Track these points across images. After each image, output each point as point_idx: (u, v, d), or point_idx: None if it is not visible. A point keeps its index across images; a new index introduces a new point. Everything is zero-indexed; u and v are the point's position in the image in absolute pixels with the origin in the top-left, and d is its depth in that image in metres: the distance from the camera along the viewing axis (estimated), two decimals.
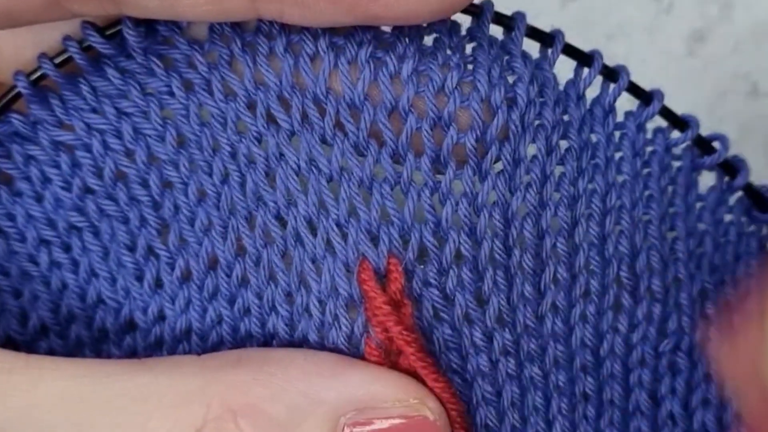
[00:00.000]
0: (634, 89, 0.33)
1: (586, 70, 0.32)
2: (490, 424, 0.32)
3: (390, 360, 0.30)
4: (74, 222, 0.31)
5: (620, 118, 0.33)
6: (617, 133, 0.33)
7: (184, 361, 0.29)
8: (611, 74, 0.32)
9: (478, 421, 0.32)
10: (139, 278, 0.31)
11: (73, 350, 0.32)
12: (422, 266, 0.31)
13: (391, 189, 0.31)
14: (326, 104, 0.30)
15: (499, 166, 0.31)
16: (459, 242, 0.31)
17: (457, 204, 0.31)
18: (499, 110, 0.30)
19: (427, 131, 0.30)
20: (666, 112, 0.33)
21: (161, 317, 0.32)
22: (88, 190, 0.31)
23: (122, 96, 0.30)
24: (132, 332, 0.32)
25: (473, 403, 0.32)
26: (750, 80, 0.49)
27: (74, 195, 0.31)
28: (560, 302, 0.32)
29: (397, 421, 0.29)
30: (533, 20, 0.32)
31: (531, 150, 0.31)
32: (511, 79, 0.31)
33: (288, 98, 0.30)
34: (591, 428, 0.33)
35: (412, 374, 0.30)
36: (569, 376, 0.33)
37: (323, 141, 0.30)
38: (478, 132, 0.30)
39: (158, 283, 0.31)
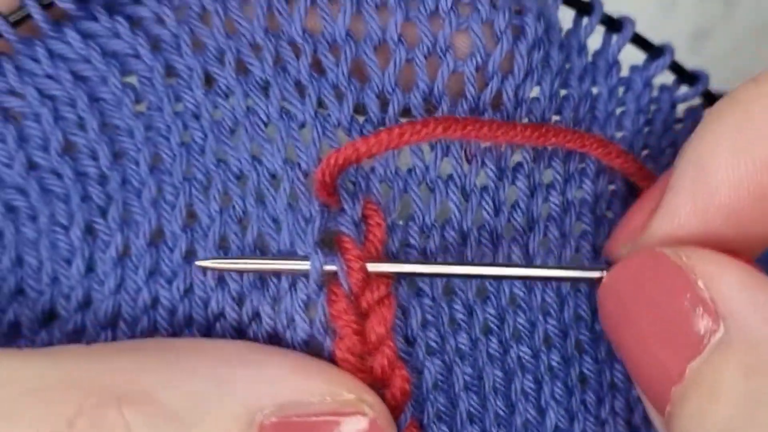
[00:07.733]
0: (642, 43, 0.30)
1: (586, 20, 0.30)
2: (473, 411, 0.28)
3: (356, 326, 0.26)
4: (11, 203, 0.27)
5: (625, 72, 0.30)
6: (621, 88, 0.30)
7: (67, 348, 0.25)
8: (615, 25, 0.30)
9: (462, 408, 0.28)
10: (69, 261, 0.27)
11: None
12: (402, 222, 0.28)
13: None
14: (303, 45, 0.27)
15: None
16: (447, 195, 0.28)
17: (446, 150, 0.28)
18: (504, 36, 0.27)
19: (419, 61, 0.27)
20: (675, 67, 0.31)
21: (86, 303, 0.27)
22: (32, 165, 0.27)
23: (81, 60, 0.27)
24: (49, 324, 0.27)
25: (455, 390, 0.28)
26: None
27: (16, 172, 0.27)
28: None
29: (328, 418, 0.23)
30: None
31: (533, 93, 0.28)
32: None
33: (261, 44, 0.27)
34: (591, 416, 0.29)
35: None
36: (563, 356, 0.29)
37: (297, 85, 0.27)
38: (479, 59, 0.27)
39: (90, 265, 0.27)
